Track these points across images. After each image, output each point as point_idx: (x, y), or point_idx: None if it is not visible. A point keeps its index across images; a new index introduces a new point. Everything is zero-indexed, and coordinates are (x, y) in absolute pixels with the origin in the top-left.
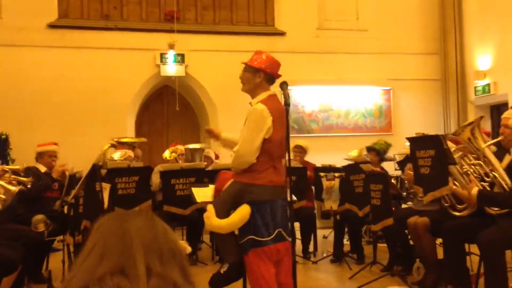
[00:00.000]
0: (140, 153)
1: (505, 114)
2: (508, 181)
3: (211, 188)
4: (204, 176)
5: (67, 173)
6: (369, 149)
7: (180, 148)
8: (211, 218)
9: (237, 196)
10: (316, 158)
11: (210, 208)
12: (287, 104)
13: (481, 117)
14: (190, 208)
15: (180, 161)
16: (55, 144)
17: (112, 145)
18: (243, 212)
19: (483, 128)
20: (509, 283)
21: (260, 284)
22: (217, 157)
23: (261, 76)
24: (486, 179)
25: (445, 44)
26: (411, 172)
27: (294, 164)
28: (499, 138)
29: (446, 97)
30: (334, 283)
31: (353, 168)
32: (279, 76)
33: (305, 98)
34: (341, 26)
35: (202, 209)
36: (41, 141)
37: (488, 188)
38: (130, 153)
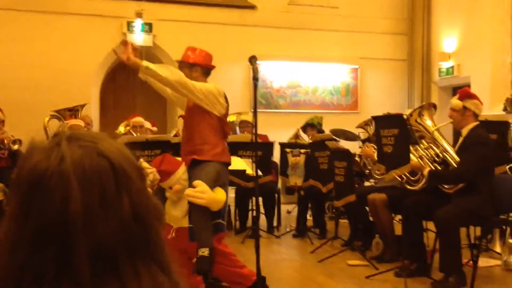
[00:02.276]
0: (90, 119)
1: (452, 99)
2: (457, 160)
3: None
4: (169, 149)
5: (6, 141)
6: (304, 127)
7: (137, 120)
8: (209, 192)
9: (217, 177)
10: (283, 134)
11: (202, 184)
12: (255, 78)
13: (432, 104)
14: None
15: (139, 134)
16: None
17: (53, 116)
18: (223, 195)
19: None
20: (463, 260)
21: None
22: (153, 124)
23: (198, 71)
24: (437, 159)
25: (413, 25)
26: (368, 149)
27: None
28: (449, 121)
29: (411, 77)
30: (296, 257)
31: (318, 145)
32: (214, 67)
33: (274, 74)
34: (312, 2)
35: None
36: None
37: (439, 168)
38: (77, 122)
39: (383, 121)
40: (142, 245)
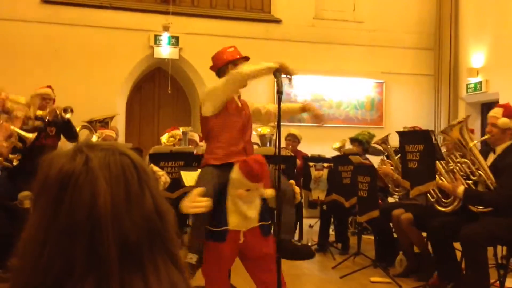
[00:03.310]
0: (117, 130)
1: (491, 113)
2: (493, 180)
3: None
4: (193, 160)
5: (58, 111)
6: (352, 140)
7: (179, 133)
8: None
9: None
10: (306, 147)
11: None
12: (279, 92)
13: (468, 116)
14: (178, 192)
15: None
16: (49, 87)
17: (84, 127)
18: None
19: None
20: (491, 280)
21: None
22: (201, 139)
23: (227, 70)
24: (472, 177)
25: (440, 40)
26: (385, 167)
27: (286, 152)
28: (486, 137)
29: (438, 93)
30: (317, 272)
31: (342, 159)
32: (237, 57)
33: (298, 87)
34: (337, 17)
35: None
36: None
37: (473, 187)
38: (109, 132)
39: (408, 137)
40: (161, 239)
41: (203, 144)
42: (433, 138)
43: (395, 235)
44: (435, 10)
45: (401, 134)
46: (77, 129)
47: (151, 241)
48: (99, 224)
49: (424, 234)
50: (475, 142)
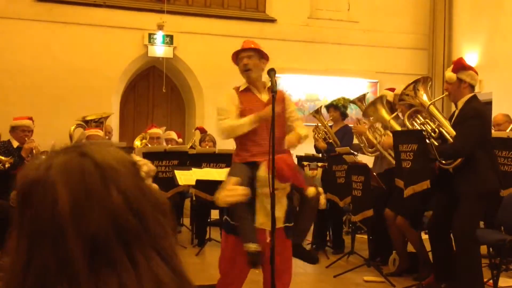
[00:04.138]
0: (110, 128)
1: (446, 71)
2: (453, 133)
3: (194, 171)
4: (187, 160)
5: (35, 151)
6: (327, 107)
7: (154, 131)
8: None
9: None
10: (301, 147)
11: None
12: (273, 91)
13: (427, 77)
14: (172, 191)
15: (155, 146)
16: (30, 119)
17: (79, 125)
18: None
19: None
20: (484, 279)
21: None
22: (179, 136)
23: (265, 64)
24: (433, 135)
25: (434, 40)
26: (360, 126)
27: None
28: (445, 94)
29: (432, 92)
30: (310, 271)
31: (336, 158)
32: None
33: (292, 87)
34: (332, 16)
35: (183, 192)
36: (20, 116)
37: (436, 143)
38: (99, 132)
39: (402, 136)
40: (139, 235)
41: (181, 141)
42: (426, 138)
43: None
44: (429, 11)
45: (395, 133)
46: (72, 127)
47: (124, 238)
48: (61, 228)
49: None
50: (433, 101)
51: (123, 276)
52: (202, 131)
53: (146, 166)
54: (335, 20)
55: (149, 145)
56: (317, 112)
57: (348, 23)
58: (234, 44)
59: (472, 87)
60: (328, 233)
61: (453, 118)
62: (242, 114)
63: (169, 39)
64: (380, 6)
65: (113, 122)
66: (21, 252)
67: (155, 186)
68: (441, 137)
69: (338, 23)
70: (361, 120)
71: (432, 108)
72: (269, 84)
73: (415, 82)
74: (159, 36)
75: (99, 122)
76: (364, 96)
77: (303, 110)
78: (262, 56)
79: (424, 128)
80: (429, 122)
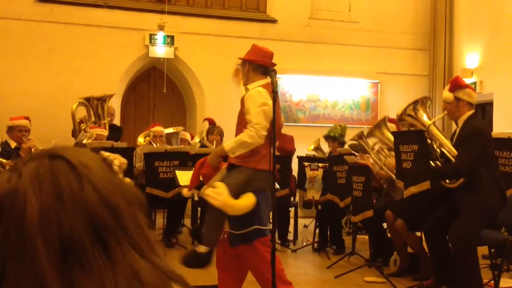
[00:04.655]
0: (113, 110)
1: (444, 91)
2: (455, 152)
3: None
4: (188, 160)
5: (33, 150)
6: (326, 137)
7: (158, 129)
8: (225, 196)
9: (246, 182)
10: (301, 147)
11: (222, 186)
12: (274, 92)
13: (426, 97)
14: (173, 191)
15: (159, 144)
16: (27, 118)
17: (81, 104)
18: (250, 201)
19: None
20: (485, 280)
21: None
22: (192, 137)
23: (247, 66)
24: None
25: (435, 41)
26: (364, 161)
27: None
28: (444, 114)
29: (433, 93)
30: (312, 272)
31: (336, 159)
32: (271, 64)
33: (293, 87)
34: (333, 17)
35: None
36: (20, 115)
37: (439, 164)
38: (99, 131)
39: (402, 137)
40: (115, 232)
41: (194, 142)
42: (427, 138)
43: (389, 234)
44: (430, 11)
45: (395, 134)
46: (74, 105)
47: (100, 236)
48: (29, 240)
49: (418, 234)
50: (433, 121)
51: (99, 275)
52: (211, 122)
53: (118, 160)
54: (336, 21)
55: (153, 143)
56: (360, 137)
57: (349, 23)
58: (235, 44)
59: (471, 104)
60: (328, 233)
61: (454, 137)
62: None
63: (170, 40)
64: (381, 6)
65: (114, 123)
66: None
67: (128, 180)
68: (443, 156)
69: (339, 23)
70: (363, 155)
71: (432, 128)
72: (251, 85)
73: (415, 102)
74: (160, 36)
75: (102, 100)
76: (362, 133)
77: (304, 111)
78: (252, 61)
79: None
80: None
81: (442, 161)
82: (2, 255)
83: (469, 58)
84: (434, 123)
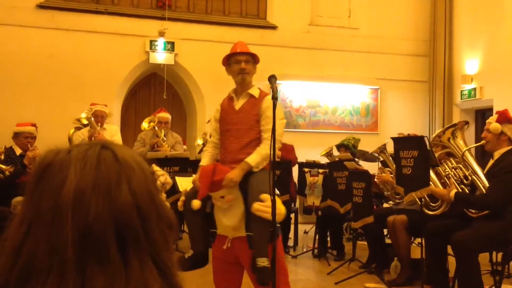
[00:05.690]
0: (110, 114)
1: (489, 119)
2: (486, 184)
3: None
4: (188, 166)
5: (37, 159)
6: (338, 146)
7: (163, 115)
8: (281, 207)
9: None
10: (302, 153)
11: (268, 198)
12: (274, 98)
13: (465, 122)
14: (172, 197)
15: (163, 130)
16: (33, 125)
17: (77, 128)
18: (280, 203)
19: None
20: (484, 286)
21: (285, 268)
22: (184, 143)
23: (254, 64)
24: (465, 181)
25: (435, 47)
26: (384, 175)
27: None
28: (482, 143)
29: (433, 99)
30: (312, 278)
31: (336, 165)
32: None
33: (293, 93)
34: (333, 23)
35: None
36: (23, 122)
37: (466, 191)
38: (100, 107)
39: (403, 143)
40: (139, 238)
41: (196, 144)
42: (427, 144)
43: (389, 241)
44: (429, 17)
45: (396, 140)
46: (71, 131)
47: (122, 238)
48: (60, 212)
49: (417, 240)
50: (469, 147)
51: (112, 275)
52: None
53: (163, 177)
54: (336, 27)
55: (157, 128)
56: (382, 151)
57: (349, 29)
58: None
59: (510, 140)
60: (328, 239)
61: (487, 168)
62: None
63: (170, 46)
64: (381, 12)
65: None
66: (18, 234)
67: (167, 203)
68: (471, 185)
69: (339, 29)
70: (384, 168)
71: (467, 154)
72: (254, 88)
73: (454, 126)
74: (160, 42)
75: (96, 115)
76: (384, 146)
77: (304, 117)
78: (255, 61)
79: (454, 173)
80: (462, 167)
81: (469, 189)
82: (31, 216)
83: (469, 64)
84: (469, 150)
